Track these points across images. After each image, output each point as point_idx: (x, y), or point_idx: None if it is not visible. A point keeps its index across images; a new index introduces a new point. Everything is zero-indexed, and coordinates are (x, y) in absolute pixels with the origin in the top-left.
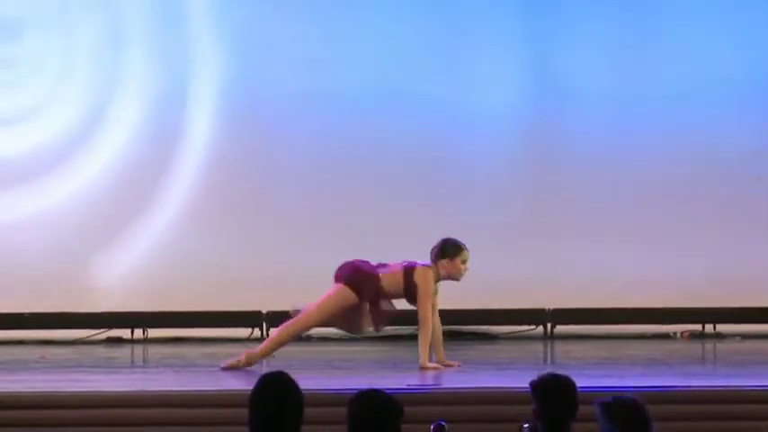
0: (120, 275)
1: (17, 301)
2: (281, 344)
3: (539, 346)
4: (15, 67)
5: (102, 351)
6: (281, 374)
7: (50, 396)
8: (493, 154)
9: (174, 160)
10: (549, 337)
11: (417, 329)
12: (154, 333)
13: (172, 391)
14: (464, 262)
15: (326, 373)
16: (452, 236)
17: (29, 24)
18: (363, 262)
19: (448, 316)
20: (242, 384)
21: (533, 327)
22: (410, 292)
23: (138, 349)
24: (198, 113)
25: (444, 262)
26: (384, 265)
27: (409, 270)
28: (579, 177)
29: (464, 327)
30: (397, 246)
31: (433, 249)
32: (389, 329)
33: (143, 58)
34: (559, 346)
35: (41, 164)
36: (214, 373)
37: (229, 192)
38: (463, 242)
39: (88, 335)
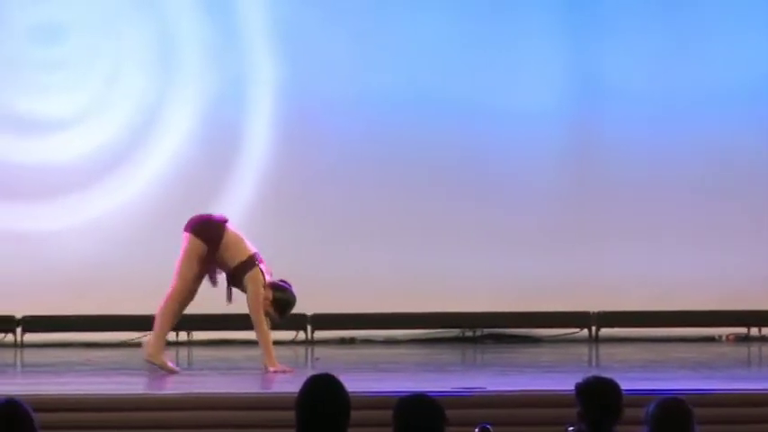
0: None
1: (63, 303)
2: (165, 326)
3: (583, 349)
4: (65, 70)
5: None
6: (328, 377)
7: (95, 399)
8: (536, 155)
9: (225, 164)
10: (594, 340)
11: (463, 332)
12: (198, 335)
13: (217, 393)
14: (275, 314)
15: (372, 375)
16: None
17: (78, 27)
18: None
19: (492, 318)
20: (288, 387)
21: (577, 330)
22: (236, 278)
23: (183, 351)
24: (251, 117)
25: (270, 294)
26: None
27: (251, 261)
28: (623, 178)
29: (508, 330)
30: (441, 247)
31: (278, 282)
32: (434, 332)
33: (195, 61)
34: (604, 349)
35: (94, 169)
36: (259, 376)
37: (278, 194)
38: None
39: (134, 337)
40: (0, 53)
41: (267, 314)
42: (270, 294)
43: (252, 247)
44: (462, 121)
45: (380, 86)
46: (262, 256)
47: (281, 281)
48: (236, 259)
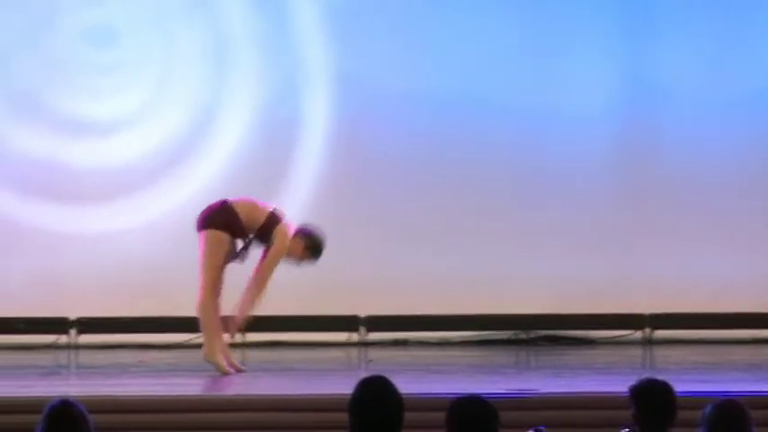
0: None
1: (119, 305)
2: (211, 323)
3: (637, 351)
4: (119, 72)
5: (200, 355)
6: (381, 379)
7: (148, 400)
8: (589, 156)
9: (281, 164)
10: (648, 342)
11: (516, 334)
12: (251, 337)
13: (270, 395)
14: (310, 260)
15: (425, 377)
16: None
17: (130, 29)
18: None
19: (546, 320)
20: (341, 388)
21: (631, 332)
22: (264, 236)
23: (237, 353)
24: (306, 116)
25: (300, 242)
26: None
27: (274, 218)
28: (677, 179)
29: (562, 332)
30: (494, 249)
31: (304, 228)
32: (487, 334)
33: (249, 60)
34: (658, 351)
35: (150, 171)
36: (312, 377)
37: (333, 194)
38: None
39: (187, 339)
40: (54, 56)
41: (302, 261)
42: (300, 243)
43: (268, 205)
44: (516, 123)
45: (433, 86)
46: (280, 210)
47: (303, 227)
48: (257, 221)
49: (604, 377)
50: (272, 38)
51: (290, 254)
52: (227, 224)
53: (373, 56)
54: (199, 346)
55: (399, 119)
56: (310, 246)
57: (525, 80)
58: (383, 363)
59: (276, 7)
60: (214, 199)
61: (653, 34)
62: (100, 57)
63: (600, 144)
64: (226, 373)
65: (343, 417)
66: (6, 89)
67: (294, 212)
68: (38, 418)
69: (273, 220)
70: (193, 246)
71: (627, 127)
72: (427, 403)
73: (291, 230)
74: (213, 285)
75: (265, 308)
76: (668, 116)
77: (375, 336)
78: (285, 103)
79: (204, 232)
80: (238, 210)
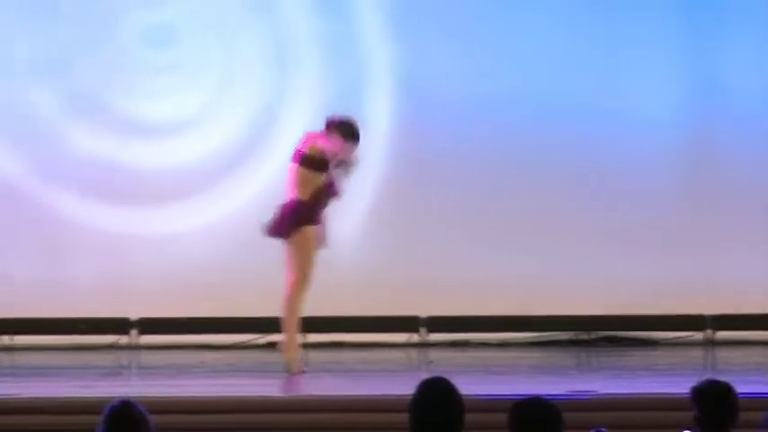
0: (278, 279)
1: (177, 305)
2: (294, 324)
3: (698, 353)
4: (179, 73)
5: (260, 356)
6: (441, 380)
7: (208, 401)
8: (652, 157)
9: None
10: (710, 344)
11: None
12: (312, 338)
13: (329, 396)
14: (353, 146)
15: (485, 378)
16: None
17: (190, 30)
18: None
19: (607, 321)
20: (402, 389)
21: (693, 333)
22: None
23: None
24: (369, 118)
25: (336, 135)
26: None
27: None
28: (740, 181)
29: (623, 333)
30: (555, 250)
31: (330, 121)
32: (547, 335)
33: (311, 62)
34: (720, 353)
35: (211, 173)
36: (372, 378)
37: (395, 196)
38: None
39: (247, 339)
40: (113, 58)
41: (348, 154)
42: (337, 137)
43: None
44: (578, 124)
45: (497, 89)
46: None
47: (328, 120)
48: (315, 182)
49: (665, 378)
50: (333, 39)
51: (336, 155)
52: (309, 216)
53: (435, 57)
54: (258, 347)
55: (462, 120)
56: (346, 132)
57: (590, 82)
58: (443, 364)
59: (338, 8)
60: (274, 202)
61: (722, 36)
62: (160, 58)
63: (664, 145)
64: (296, 373)
65: (404, 418)
66: (68, 91)
67: (355, 212)
68: (98, 419)
69: (309, 167)
70: (252, 247)
71: (691, 129)
72: (488, 405)
73: (320, 137)
74: (308, 282)
75: (326, 308)
76: (734, 118)
77: (435, 337)
78: (347, 105)
79: (295, 235)
80: (301, 177)
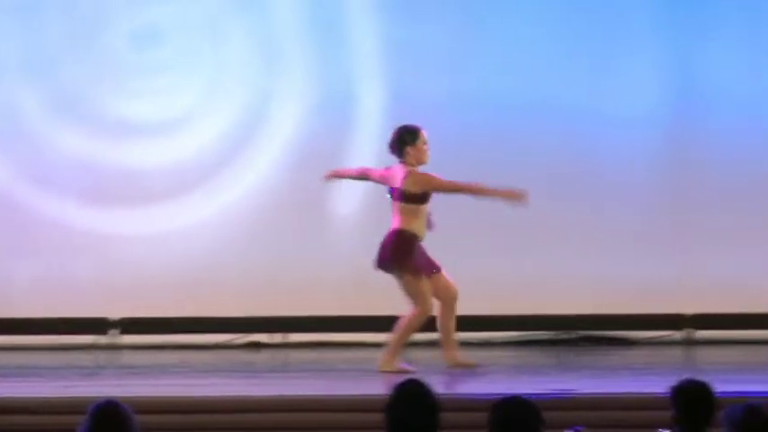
0: (261, 279)
1: (158, 305)
2: (398, 347)
3: (677, 352)
4: (167, 74)
5: (241, 356)
6: (416, 382)
7: (190, 401)
8: (632, 157)
9: (331, 166)
10: (689, 343)
11: (557, 334)
12: (294, 338)
13: (310, 395)
14: (425, 143)
15: (465, 377)
16: (594, 238)
17: (178, 30)
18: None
19: (587, 321)
20: (381, 389)
21: (672, 332)
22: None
23: (279, 354)
24: (359, 119)
25: (409, 149)
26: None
27: (392, 177)
28: (719, 180)
29: (602, 332)
30: (535, 249)
31: (392, 144)
32: (528, 334)
33: (300, 63)
34: (698, 352)
35: (196, 173)
36: (353, 378)
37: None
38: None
39: (228, 339)
40: (100, 58)
41: (427, 156)
42: (409, 157)
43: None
44: (556, 123)
45: (478, 88)
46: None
47: (397, 134)
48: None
49: (644, 378)
50: (322, 37)
51: (422, 161)
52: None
53: (426, 57)
54: (240, 347)
55: (446, 121)
56: (410, 138)
57: (573, 82)
58: (424, 363)
59: (326, 6)
60: (260, 203)
61: (702, 36)
62: (147, 58)
63: (643, 145)
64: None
65: (380, 417)
66: (55, 91)
67: (341, 213)
68: (79, 419)
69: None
70: (235, 247)
71: (673, 129)
72: (468, 404)
73: (397, 170)
74: (431, 307)
75: (309, 308)
76: (716, 118)
77: (419, 336)
78: (337, 108)
79: (401, 273)
80: (403, 212)
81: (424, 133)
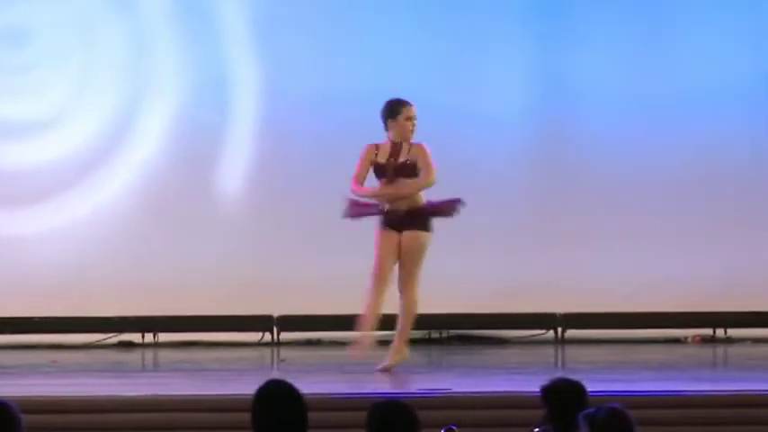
0: (132, 279)
1: (29, 305)
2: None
3: (549, 351)
4: (37, 73)
5: (113, 355)
6: (279, 382)
7: (60, 400)
8: (502, 156)
9: (204, 165)
10: (560, 342)
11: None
12: (164, 337)
13: (180, 395)
14: (407, 119)
15: (336, 377)
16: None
17: (48, 30)
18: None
19: (459, 320)
20: (250, 389)
21: (544, 331)
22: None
23: (150, 353)
24: (230, 119)
25: (391, 123)
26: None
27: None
28: (590, 180)
29: (474, 331)
30: None
31: (386, 108)
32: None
33: (170, 62)
34: (570, 351)
35: (68, 173)
36: (223, 378)
37: (256, 197)
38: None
39: (99, 339)
40: None
41: (410, 132)
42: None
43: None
44: (431, 122)
45: (348, 85)
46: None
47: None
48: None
49: (517, 377)
50: (193, 37)
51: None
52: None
53: (292, 58)
54: (111, 346)
55: (314, 119)
56: (390, 112)
57: (440, 79)
58: (296, 363)
59: (198, 7)
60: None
61: (567, 34)
62: (16, 57)
63: (515, 144)
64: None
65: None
66: None
67: (212, 210)
68: None
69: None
70: (106, 247)
71: (542, 128)
72: (337, 403)
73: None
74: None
75: (179, 308)
76: (585, 117)
77: (288, 336)
78: (207, 107)
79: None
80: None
81: (412, 109)
